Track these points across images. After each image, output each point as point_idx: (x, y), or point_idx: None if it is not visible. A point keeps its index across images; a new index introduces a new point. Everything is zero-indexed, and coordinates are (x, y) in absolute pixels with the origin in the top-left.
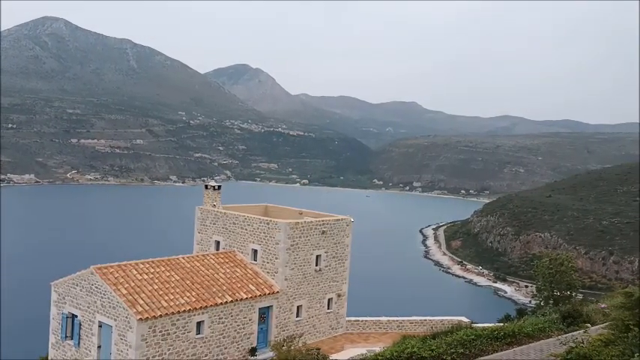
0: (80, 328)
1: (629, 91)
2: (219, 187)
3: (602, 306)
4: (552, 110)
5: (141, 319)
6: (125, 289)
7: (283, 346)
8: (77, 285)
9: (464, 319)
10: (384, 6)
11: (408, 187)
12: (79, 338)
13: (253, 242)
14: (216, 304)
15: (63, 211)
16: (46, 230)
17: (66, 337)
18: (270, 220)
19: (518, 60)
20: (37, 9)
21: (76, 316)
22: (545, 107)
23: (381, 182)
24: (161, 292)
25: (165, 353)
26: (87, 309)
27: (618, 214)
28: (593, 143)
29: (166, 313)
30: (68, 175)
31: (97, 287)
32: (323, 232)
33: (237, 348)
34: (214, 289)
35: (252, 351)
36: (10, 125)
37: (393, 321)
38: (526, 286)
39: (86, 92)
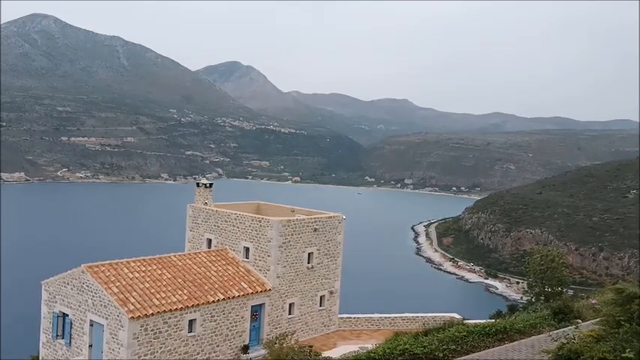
0: (71, 327)
1: (618, 89)
2: (211, 184)
3: (593, 302)
4: (542, 107)
5: (132, 317)
6: (116, 287)
7: (275, 343)
8: (68, 284)
9: (456, 315)
10: (376, 5)
11: (399, 185)
12: (70, 337)
13: (245, 240)
14: (208, 302)
15: (53, 210)
16: (37, 229)
17: (57, 336)
18: (262, 218)
19: (507, 58)
20: (26, 6)
21: (67, 315)
22: (535, 104)
23: (373, 179)
24: (153, 291)
25: (157, 352)
26: (78, 308)
27: (608, 211)
28: (583, 140)
29: (158, 312)
30: (59, 173)
31: (88, 286)
32: (315, 230)
33: (230, 346)
34: (206, 287)
35: (245, 349)
36: None
37: (385, 318)
38: (517, 283)
39: (76, 90)
